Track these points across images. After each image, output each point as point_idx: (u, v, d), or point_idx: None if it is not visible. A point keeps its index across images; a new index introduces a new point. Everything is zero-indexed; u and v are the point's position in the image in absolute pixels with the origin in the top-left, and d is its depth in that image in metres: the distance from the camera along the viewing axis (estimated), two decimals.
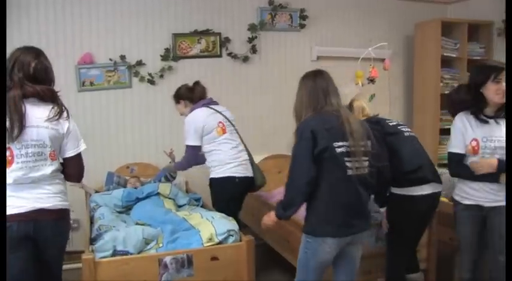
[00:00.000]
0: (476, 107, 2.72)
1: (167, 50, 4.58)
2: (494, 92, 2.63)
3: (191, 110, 3.54)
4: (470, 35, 5.25)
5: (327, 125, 2.34)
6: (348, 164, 2.33)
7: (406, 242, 3.05)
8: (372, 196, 3.00)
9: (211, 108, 3.53)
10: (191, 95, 3.62)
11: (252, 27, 4.83)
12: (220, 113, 3.53)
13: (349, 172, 2.34)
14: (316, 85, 2.46)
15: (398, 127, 3.07)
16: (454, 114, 3.22)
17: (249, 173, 3.51)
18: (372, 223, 3.14)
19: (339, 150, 2.32)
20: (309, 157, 2.31)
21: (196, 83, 3.66)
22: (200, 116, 3.46)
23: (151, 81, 4.55)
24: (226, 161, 3.43)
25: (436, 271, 3.51)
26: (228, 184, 3.43)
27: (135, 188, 3.88)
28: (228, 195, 3.45)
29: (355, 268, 2.57)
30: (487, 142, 2.68)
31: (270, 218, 2.54)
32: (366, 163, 2.42)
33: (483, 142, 2.69)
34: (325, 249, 2.37)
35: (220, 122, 3.48)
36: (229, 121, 3.55)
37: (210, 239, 2.76)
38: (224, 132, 3.47)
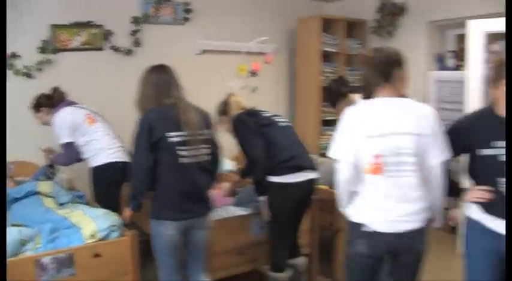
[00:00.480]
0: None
1: (45, 42, 4.35)
2: None
3: (54, 113, 3.57)
4: (348, 32, 5.58)
5: (165, 116, 2.51)
6: (183, 152, 2.49)
7: (286, 228, 3.17)
8: (253, 186, 3.13)
9: (74, 106, 3.62)
10: (51, 102, 3.65)
11: (136, 20, 4.74)
12: (83, 108, 3.63)
13: (183, 160, 2.50)
14: (160, 79, 2.60)
15: (273, 118, 3.19)
16: (334, 106, 3.38)
17: (127, 159, 3.57)
18: (255, 212, 3.28)
19: (172, 140, 2.47)
20: (146, 147, 2.46)
21: (55, 90, 3.70)
22: (66, 113, 3.53)
23: (28, 75, 4.31)
24: (105, 148, 3.51)
25: (319, 254, 3.71)
26: (111, 169, 3.49)
27: None
28: (111, 182, 3.50)
29: (201, 251, 2.76)
30: None
31: (126, 212, 2.74)
32: (206, 151, 2.61)
33: None
34: (167, 232, 2.54)
35: (87, 114, 3.58)
36: (95, 113, 3.64)
37: (93, 236, 2.71)
38: (94, 121, 3.57)
